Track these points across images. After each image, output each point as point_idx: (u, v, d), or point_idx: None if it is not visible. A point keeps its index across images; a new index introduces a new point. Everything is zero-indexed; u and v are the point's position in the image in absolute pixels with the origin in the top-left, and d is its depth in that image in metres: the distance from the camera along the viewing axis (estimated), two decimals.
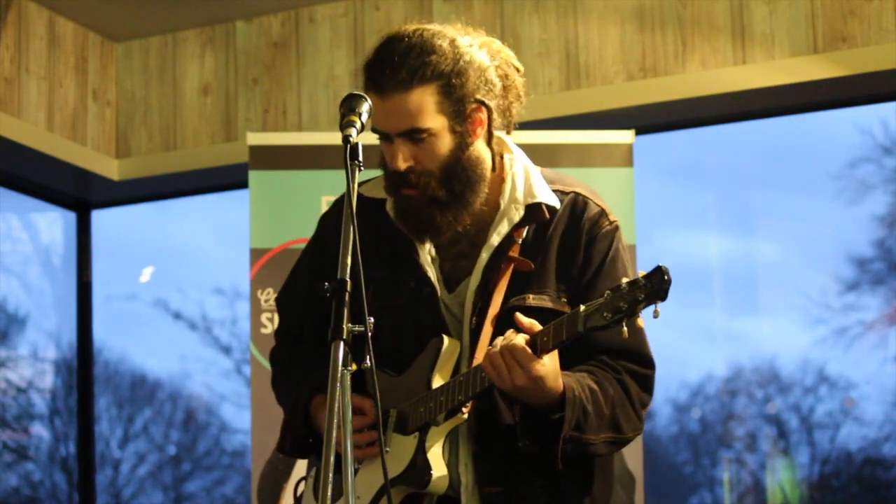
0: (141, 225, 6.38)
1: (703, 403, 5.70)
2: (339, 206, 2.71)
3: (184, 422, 6.63)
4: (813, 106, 4.98)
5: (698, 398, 5.70)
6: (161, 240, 6.53)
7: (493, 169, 2.60)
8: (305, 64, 5.39)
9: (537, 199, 2.58)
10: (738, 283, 5.57)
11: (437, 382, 2.51)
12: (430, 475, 2.48)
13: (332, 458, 2.07)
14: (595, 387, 2.48)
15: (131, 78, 5.67)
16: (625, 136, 4.51)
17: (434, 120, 2.49)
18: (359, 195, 2.58)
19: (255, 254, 4.56)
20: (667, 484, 5.83)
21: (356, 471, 2.57)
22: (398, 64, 2.46)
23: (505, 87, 2.58)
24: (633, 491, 4.25)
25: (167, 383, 6.59)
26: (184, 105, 5.58)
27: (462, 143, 2.52)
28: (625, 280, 2.29)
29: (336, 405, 2.10)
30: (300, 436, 2.64)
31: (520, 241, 2.58)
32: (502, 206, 2.59)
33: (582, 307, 2.33)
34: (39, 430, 6.01)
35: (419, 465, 2.49)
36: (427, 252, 2.61)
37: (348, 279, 2.19)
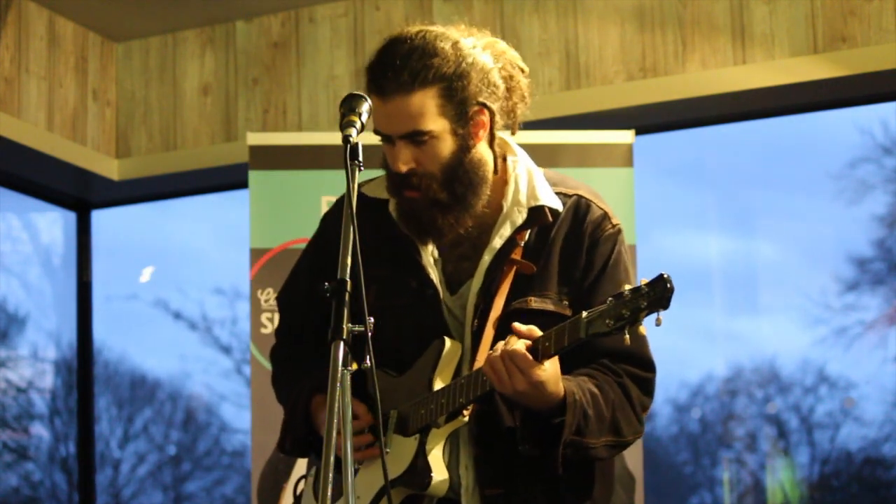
0: (141, 225, 6.38)
1: (703, 403, 5.70)
2: (340, 205, 2.70)
3: (184, 422, 6.62)
4: (813, 106, 4.98)
5: (698, 398, 5.70)
6: (161, 240, 6.52)
7: (496, 171, 2.59)
8: (305, 64, 5.39)
9: (540, 202, 2.57)
10: (737, 283, 5.57)
11: (439, 384, 2.51)
12: (431, 477, 2.48)
13: (332, 459, 2.07)
14: (596, 390, 2.48)
15: (131, 78, 5.66)
16: (625, 136, 4.50)
17: (435, 122, 2.48)
18: (361, 195, 2.59)
19: (255, 254, 4.56)
20: (667, 484, 5.83)
21: (356, 471, 2.57)
22: (400, 66, 2.46)
23: (509, 89, 2.57)
24: (633, 491, 4.25)
25: (167, 383, 6.59)
26: (184, 105, 5.57)
27: (464, 146, 2.51)
28: (627, 287, 2.28)
29: (336, 405, 2.10)
30: (300, 435, 2.64)
31: (522, 243, 2.57)
32: (505, 209, 2.58)
33: (584, 313, 2.32)
34: (39, 430, 6.01)
35: (420, 467, 2.49)
36: (430, 253, 2.60)
37: (348, 279, 2.18)
